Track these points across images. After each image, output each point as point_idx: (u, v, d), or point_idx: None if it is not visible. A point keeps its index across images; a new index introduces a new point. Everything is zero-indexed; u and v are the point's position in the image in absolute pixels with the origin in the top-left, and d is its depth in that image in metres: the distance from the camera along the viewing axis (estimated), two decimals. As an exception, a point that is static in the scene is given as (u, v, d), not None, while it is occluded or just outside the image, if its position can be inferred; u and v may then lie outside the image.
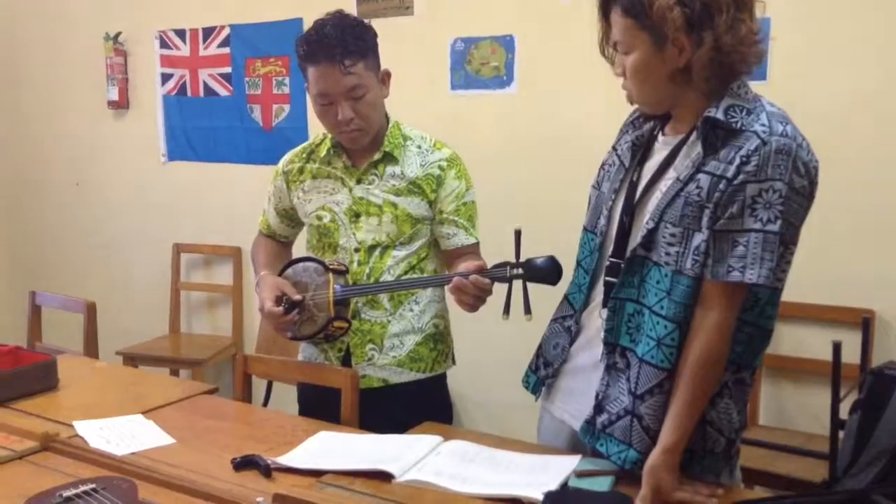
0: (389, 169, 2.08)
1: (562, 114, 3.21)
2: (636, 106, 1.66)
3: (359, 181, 2.10)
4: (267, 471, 1.62)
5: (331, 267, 2.05)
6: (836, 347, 2.32)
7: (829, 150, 2.72)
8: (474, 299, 1.87)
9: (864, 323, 2.58)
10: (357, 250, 2.09)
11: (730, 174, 1.43)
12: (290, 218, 2.26)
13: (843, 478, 1.67)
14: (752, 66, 1.49)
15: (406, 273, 2.09)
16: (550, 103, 3.23)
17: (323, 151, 2.14)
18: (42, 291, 3.24)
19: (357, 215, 2.09)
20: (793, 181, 1.41)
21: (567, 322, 1.72)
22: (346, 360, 2.12)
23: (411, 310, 2.11)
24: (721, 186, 1.43)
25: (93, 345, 2.96)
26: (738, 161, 1.42)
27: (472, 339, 2.54)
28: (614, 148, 1.70)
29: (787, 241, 1.46)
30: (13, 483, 1.57)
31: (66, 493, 1.43)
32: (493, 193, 2.74)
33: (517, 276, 1.82)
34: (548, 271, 1.80)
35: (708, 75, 1.46)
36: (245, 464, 1.65)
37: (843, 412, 2.26)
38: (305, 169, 2.17)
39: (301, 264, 2.11)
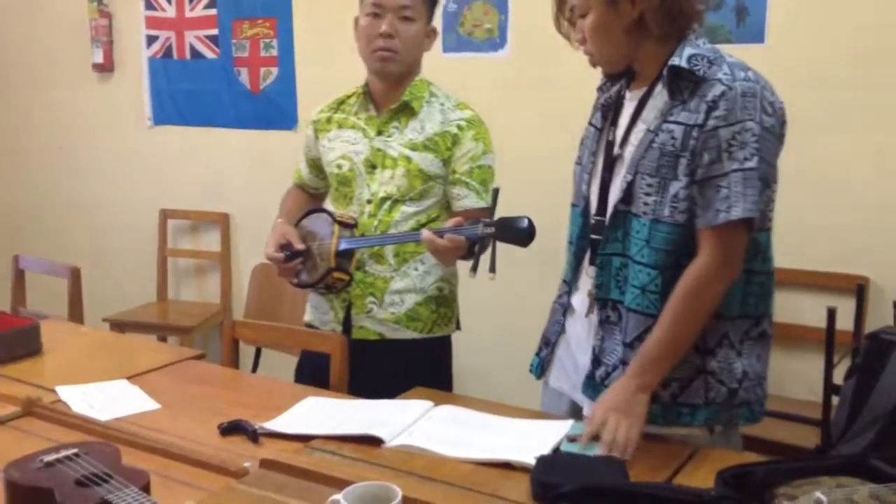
0: (412, 123, 2.10)
1: (556, 77, 3.16)
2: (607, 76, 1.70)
3: (379, 132, 2.12)
4: (254, 436, 1.59)
5: (339, 219, 2.09)
6: (831, 313, 2.31)
7: (827, 114, 2.71)
8: (446, 251, 1.87)
9: (859, 289, 2.57)
10: (369, 202, 2.11)
11: (700, 121, 1.47)
12: (319, 168, 2.29)
13: (838, 443, 1.65)
14: (701, 6, 1.54)
15: (413, 230, 2.07)
16: (544, 66, 3.17)
17: (353, 100, 2.19)
18: (26, 256, 3.20)
19: (373, 166, 2.12)
20: (763, 120, 1.46)
21: (562, 299, 1.76)
22: (348, 311, 2.14)
23: (416, 269, 2.12)
24: (694, 134, 1.48)
25: (77, 310, 2.92)
26: (705, 108, 1.47)
27: (472, 308, 2.51)
28: (590, 123, 1.74)
29: (767, 180, 1.49)
30: (-6, 448, 1.54)
31: (48, 458, 1.39)
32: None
33: (488, 235, 1.81)
34: (518, 231, 1.77)
35: (660, 20, 1.51)
36: (232, 429, 1.63)
37: (837, 378, 2.25)
38: (333, 119, 2.22)
39: (315, 214, 2.18)
